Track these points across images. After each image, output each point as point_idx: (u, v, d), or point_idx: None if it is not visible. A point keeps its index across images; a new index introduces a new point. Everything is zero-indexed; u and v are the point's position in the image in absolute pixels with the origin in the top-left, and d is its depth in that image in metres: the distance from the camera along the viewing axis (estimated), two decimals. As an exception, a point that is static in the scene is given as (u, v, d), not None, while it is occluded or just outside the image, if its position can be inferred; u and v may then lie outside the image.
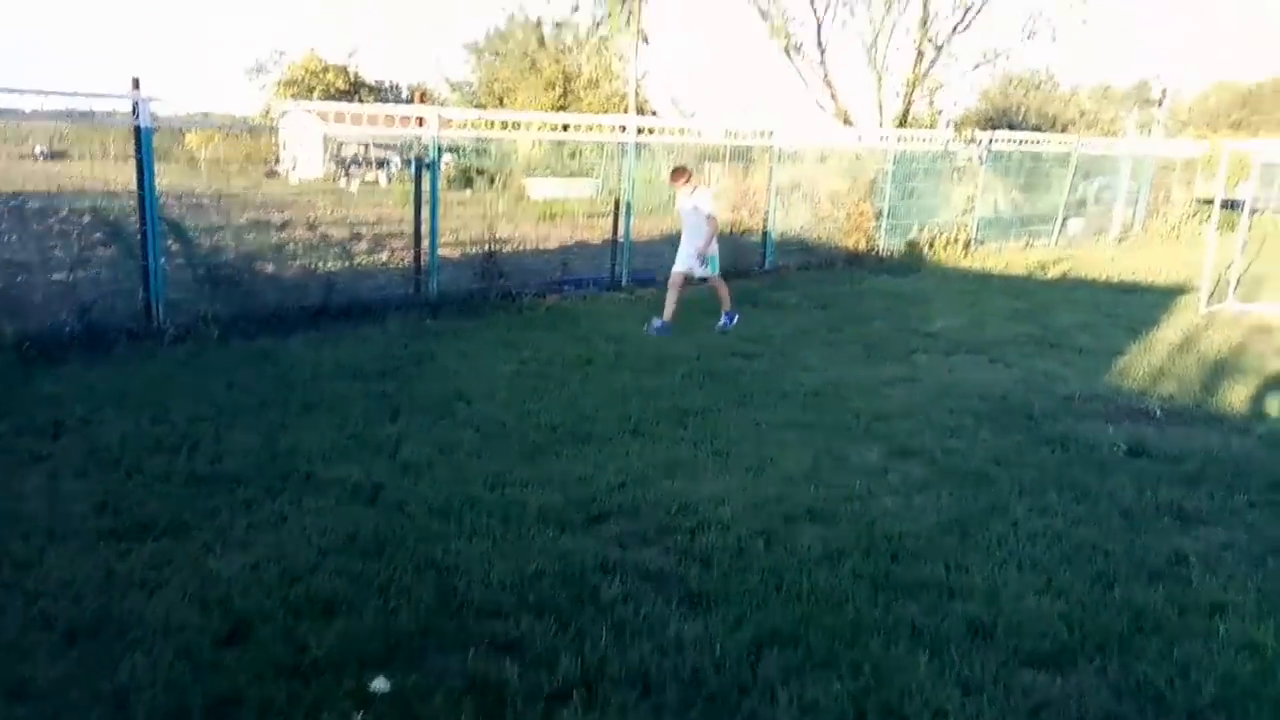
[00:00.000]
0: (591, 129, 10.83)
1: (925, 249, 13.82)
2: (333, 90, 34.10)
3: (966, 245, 14.42)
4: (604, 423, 5.71)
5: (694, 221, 8.47)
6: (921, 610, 3.54)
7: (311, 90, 33.50)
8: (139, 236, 7.24)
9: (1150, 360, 7.84)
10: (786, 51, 16.05)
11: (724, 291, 8.68)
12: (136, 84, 6.98)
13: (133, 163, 7.11)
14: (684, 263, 8.56)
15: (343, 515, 4.21)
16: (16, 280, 8.46)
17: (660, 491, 4.65)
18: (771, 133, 12.05)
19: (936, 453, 5.38)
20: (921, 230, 14.05)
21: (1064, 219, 16.83)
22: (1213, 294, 10.56)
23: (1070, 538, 4.22)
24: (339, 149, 26.45)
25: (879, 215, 13.56)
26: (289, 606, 3.40)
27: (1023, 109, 26.66)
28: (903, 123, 15.43)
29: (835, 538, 4.20)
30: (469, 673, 3.05)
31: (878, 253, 13.32)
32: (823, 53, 16.20)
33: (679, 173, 8.57)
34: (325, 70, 35.74)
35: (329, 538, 3.98)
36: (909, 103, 15.61)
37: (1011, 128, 20.88)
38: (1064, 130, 23.38)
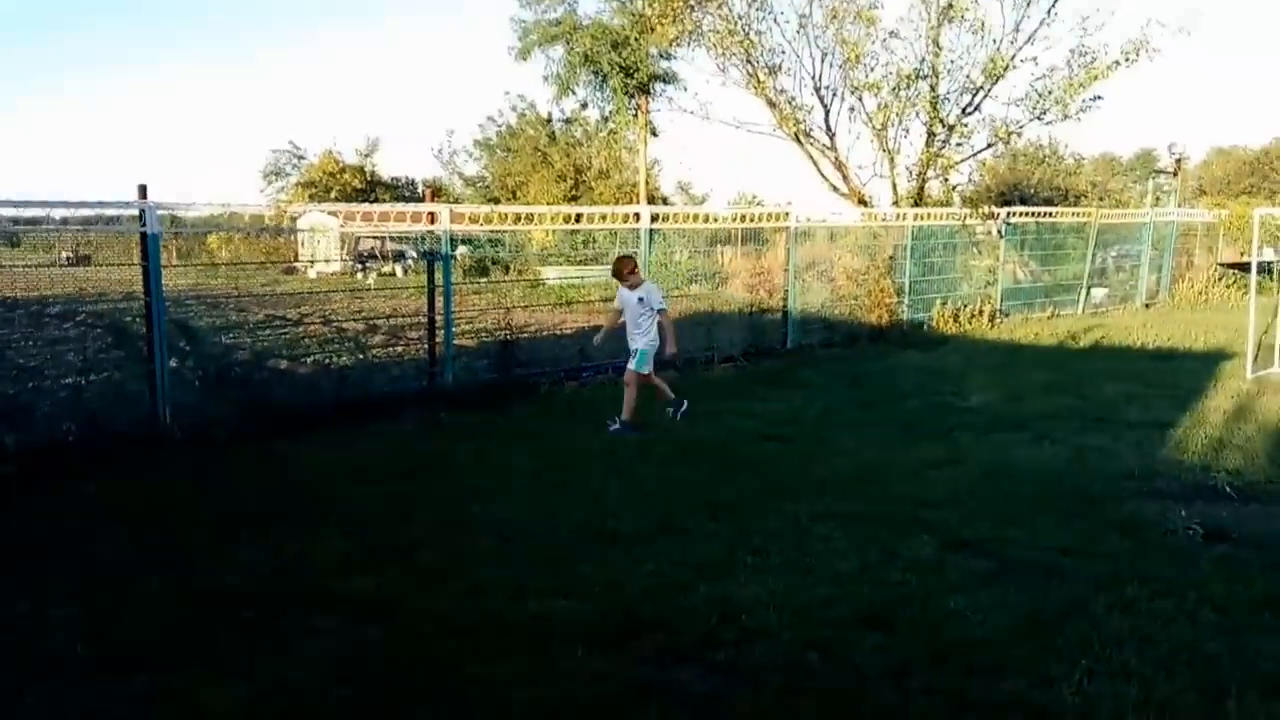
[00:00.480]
0: (606, 219, 10.75)
1: (950, 322, 13.53)
2: (349, 189, 34.86)
3: (992, 317, 14.12)
4: (631, 520, 5.33)
5: (638, 314, 7.72)
6: (1008, 735, 3.10)
7: (329, 190, 34.24)
8: (145, 341, 7.04)
9: (1207, 431, 7.40)
10: (796, 138, 16.11)
11: (632, 394, 7.65)
12: (143, 192, 6.92)
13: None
14: (644, 365, 7.77)
15: (353, 637, 3.83)
16: (28, 387, 8.30)
17: (697, 598, 4.25)
18: (787, 214, 11.95)
19: (995, 543, 4.96)
20: (944, 304, 13.79)
21: (1088, 287, 16.56)
22: (1256, 358, 10.15)
23: (1163, 640, 3.76)
24: (356, 244, 26.84)
25: (900, 291, 13.34)
26: (287, 753, 3.01)
27: (1034, 181, 26.75)
28: (918, 201, 15.36)
29: (898, 647, 3.77)
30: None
31: (902, 327, 13.04)
32: (832, 137, 16.32)
33: (626, 262, 7.81)
34: (342, 170, 36.59)
35: (336, 665, 3.60)
36: (922, 181, 15.57)
37: (1024, 201, 20.86)
38: (1076, 201, 23.37)
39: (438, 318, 8.75)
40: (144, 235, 6.93)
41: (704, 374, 10.40)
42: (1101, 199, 25.98)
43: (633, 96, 25.19)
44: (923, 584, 4.43)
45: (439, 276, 8.72)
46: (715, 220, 12.12)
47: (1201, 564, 4.58)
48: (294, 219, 13.05)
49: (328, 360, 10.44)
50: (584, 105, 27.93)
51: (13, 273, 11.81)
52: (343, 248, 24.69)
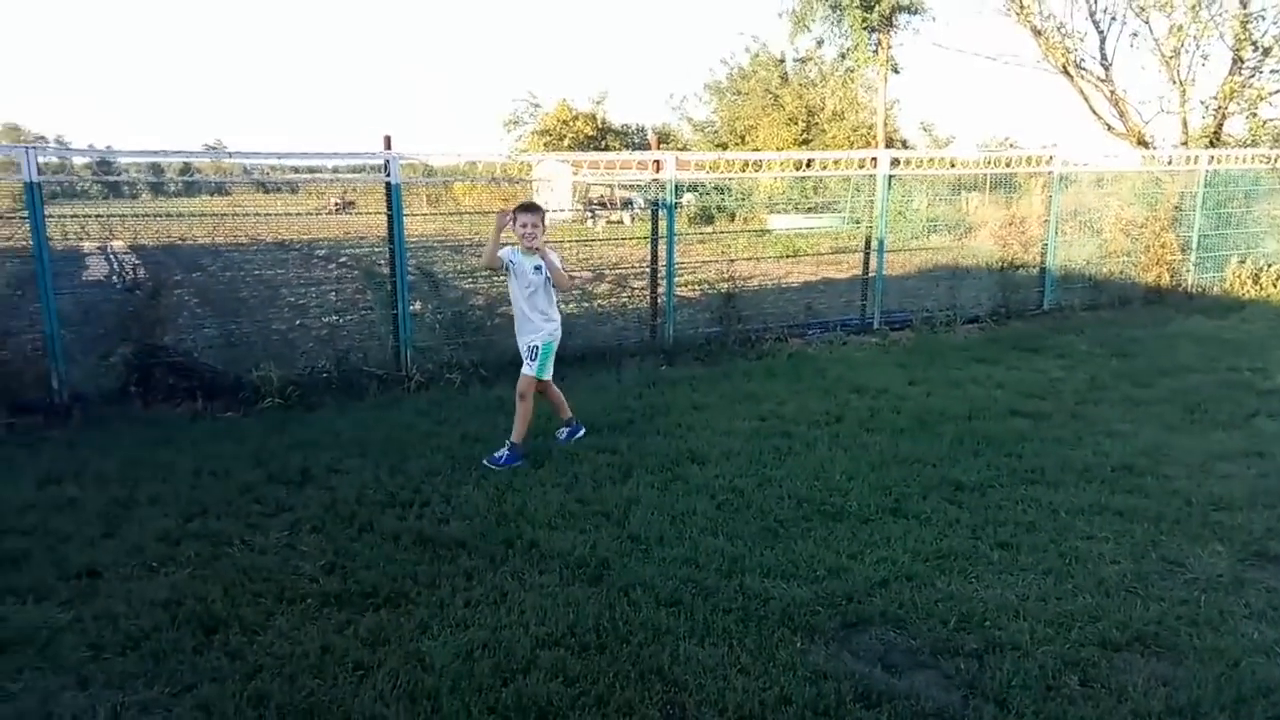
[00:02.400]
0: (839, 164, 10.06)
1: (1248, 284, 11.58)
2: (582, 137, 35.75)
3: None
4: (858, 497, 4.91)
5: (534, 291, 5.63)
6: (1342, 821, 2.45)
7: (562, 138, 35.29)
8: (390, 286, 7.45)
9: None
10: (1065, 70, 14.23)
11: (528, 409, 5.66)
12: (388, 143, 7.25)
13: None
14: (545, 367, 5.79)
15: (564, 597, 3.77)
16: (295, 324, 9.16)
17: (933, 593, 3.81)
18: (1050, 157, 10.62)
19: (1312, 561, 4.08)
20: (1242, 263, 11.80)
21: None
22: None
23: None
24: (586, 192, 27.59)
25: (1185, 246, 11.55)
26: (499, 714, 2.97)
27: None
28: (1214, 141, 13.15)
29: (1182, 681, 3.15)
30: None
31: (1185, 289, 11.33)
32: (1107, 69, 14.28)
33: (530, 213, 5.57)
34: (575, 118, 37.54)
35: (548, 625, 3.54)
36: (1222, 117, 13.26)
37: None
38: None
39: (660, 268, 8.60)
40: (388, 185, 7.26)
41: (944, 335, 9.58)
42: None
43: (873, 31, 23.58)
44: (1214, 604, 3.72)
45: (663, 226, 8.55)
46: (965, 165, 11.01)
47: None
48: (528, 167, 13.46)
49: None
50: (820, 43, 26.62)
51: (288, 218, 13.13)
52: (574, 195, 25.50)
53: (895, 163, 9.96)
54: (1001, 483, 5.16)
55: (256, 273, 14.31)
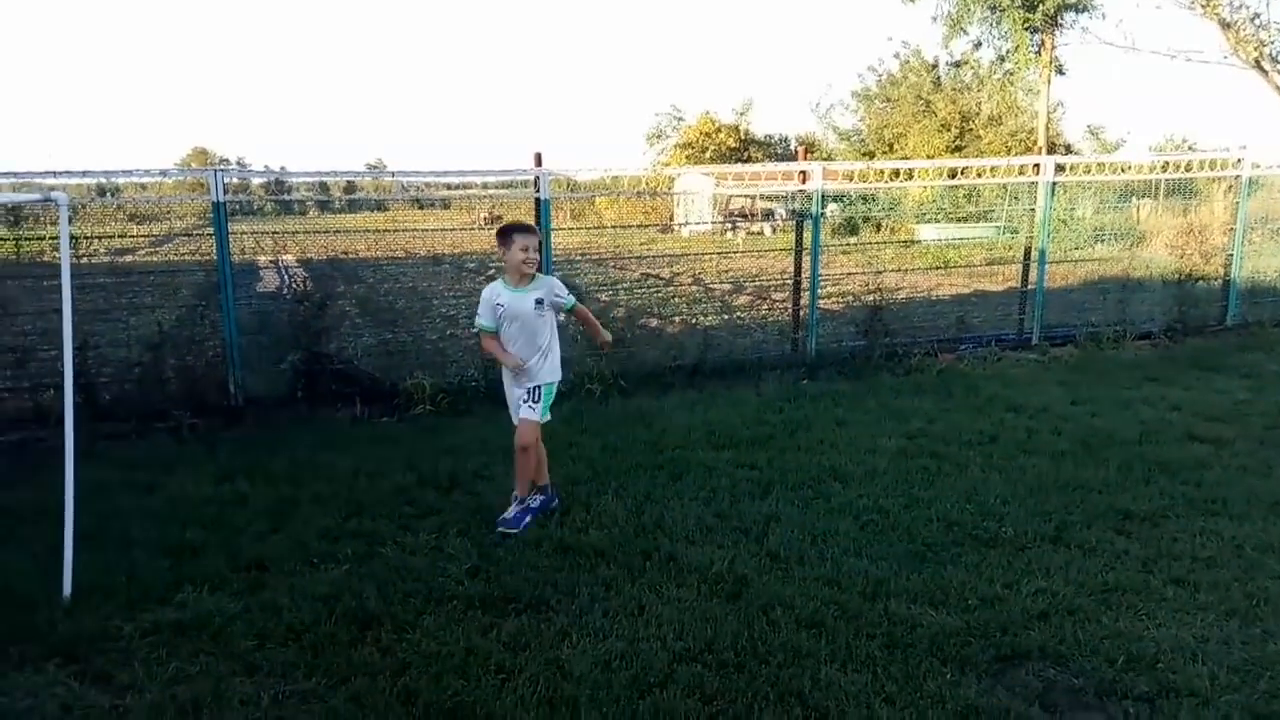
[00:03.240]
0: (996, 172, 9.59)
1: None
2: (724, 149, 35.77)
3: None
4: (1015, 522, 4.63)
5: (536, 327, 4.76)
6: None
7: (705, 150, 35.42)
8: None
9: None
10: (1257, 64, 13.03)
11: (531, 459, 4.86)
12: (539, 160, 7.46)
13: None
14: (548, 409, 4.95)
15: (702, 612, 3.73)
16: (447, 334, 9.58)
17: (1099, 630, 3.53)
18: (1238, 159, 9.72)
19: None
20: None
21: None
22: None
23: None
24: (727, 204, 27.55)
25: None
26: (634, 726, 2.96)
27: None
28: None
29: (1400, 748, 2.78)
30: None
31: (1402, 308, 10.10)
32: (1308, 62, 12.96)
33: (518, 237, 4.66)
34: (718, 130, 37.58)
35: (686, 640, 3.52)
36: None
37: None
38: None
39: (803, 280, 8.45)
40: (537, 200, 7.48)
41: (1112, 352, 8.93)
42: None
43: (1036, 32, 22.38)
44: None
45: (807, 237, 8.39)
46: (1139, 169, 10.24)
47: None
48: (670, 180, 13.56)
49: (694, 320, 10.72)
50: (977, 45, 25.48)
51: (441, 233, 13.76)
52: (714, 207, 25.53)
53: (1060, 169, 9.38)
54: (1177, 513, 4.75)
55: (410, 285, 15.10)
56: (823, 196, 8.52)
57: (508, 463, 5.77)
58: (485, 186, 10.68)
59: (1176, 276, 9.94)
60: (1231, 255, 9.79)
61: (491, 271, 17.05)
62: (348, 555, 4.40)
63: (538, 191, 7.47)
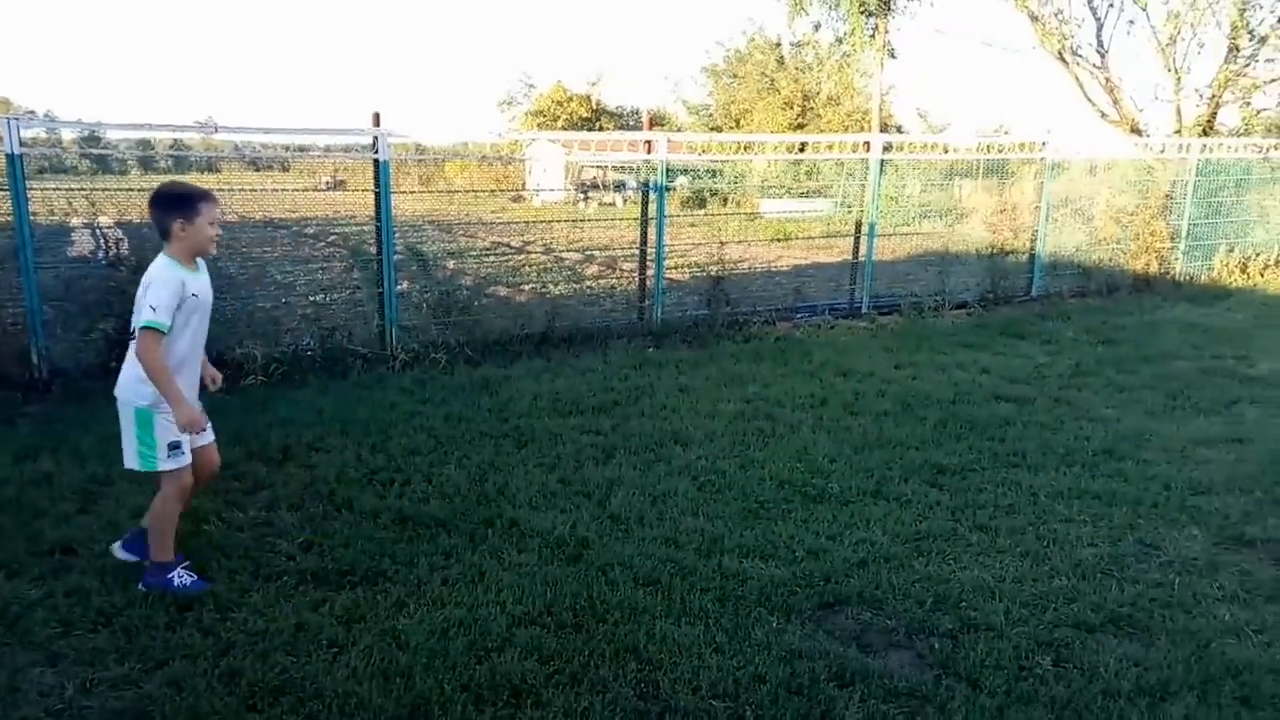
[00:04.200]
0: (832, 148, 10.02)
1: (1236, 273, 11.61)
2: (576, 118, 35.57)
3: (1311, 271, 11.95)
4: (840, 479, 4.92)
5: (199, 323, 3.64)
6: (1306, 800, 2.47)
7: (556, 119, 35.08)
8: (376, 264, 7.40)
9: None
10: (1060, 56, 14.17)
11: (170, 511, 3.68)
12: (376, 119, 7.17)
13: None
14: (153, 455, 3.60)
15: (543, 576, 3.76)
16: (282, 303, 9.10)
17: (911, 575, 3.82)
18: (1043, 143, 10.59)
19: (1288, 546, 4.10)
20: (1231, 251, 11.82)
21: None
22: None
23: None
24: (579, 173, 27.43)
25: (1175, 235, 11.56)
26: (472, 691, 2.96)
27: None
28: (1207, 129, 13.13)
29: (1153, 662, 3.17)
30: (667, 814, 2.43)
31: (1173, 277, 11.35)
32: (1103, 55, 14.22)
33: (215, 203, 3.60)
34: (569, 100, 37.29)
35: (525, 604, 3.54)
36: (1216, 106, 13.24)
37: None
38: None
39: (649, 250, 8.57)
40: (376, 162, 7.20)
41: (932, 320, 9.58)
42: None
43: (870, 16, 23.46)
44: (1187, 587, 3.74)
45: (653, 208, 8.50)
46: (957, 150, 10.98)
47: None
48: (520, 146, 13.35)
49: (544, 289, 10.67)
50: (817, 27, 26.44)
51: (277, 197, 13.01)
52: (566, 176, 25.38)
53: (888, 147, 9.91)
54: (983, 466, 5.17)
55: (244, 250, 14.19)
56: (669, 168, 8.64)
57: (345, 434, 5.60)
58: (329, 150, 10.15)
59: (990, 251, 10.76)
60: (1037, 232, 10.69)
61: (334, 237, 16.40)
62: (166, 534, 4.13)
63: (376, 153, 7.18)
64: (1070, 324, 9.29)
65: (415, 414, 6.06)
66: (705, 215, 12.67)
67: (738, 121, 31.70)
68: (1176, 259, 11.58)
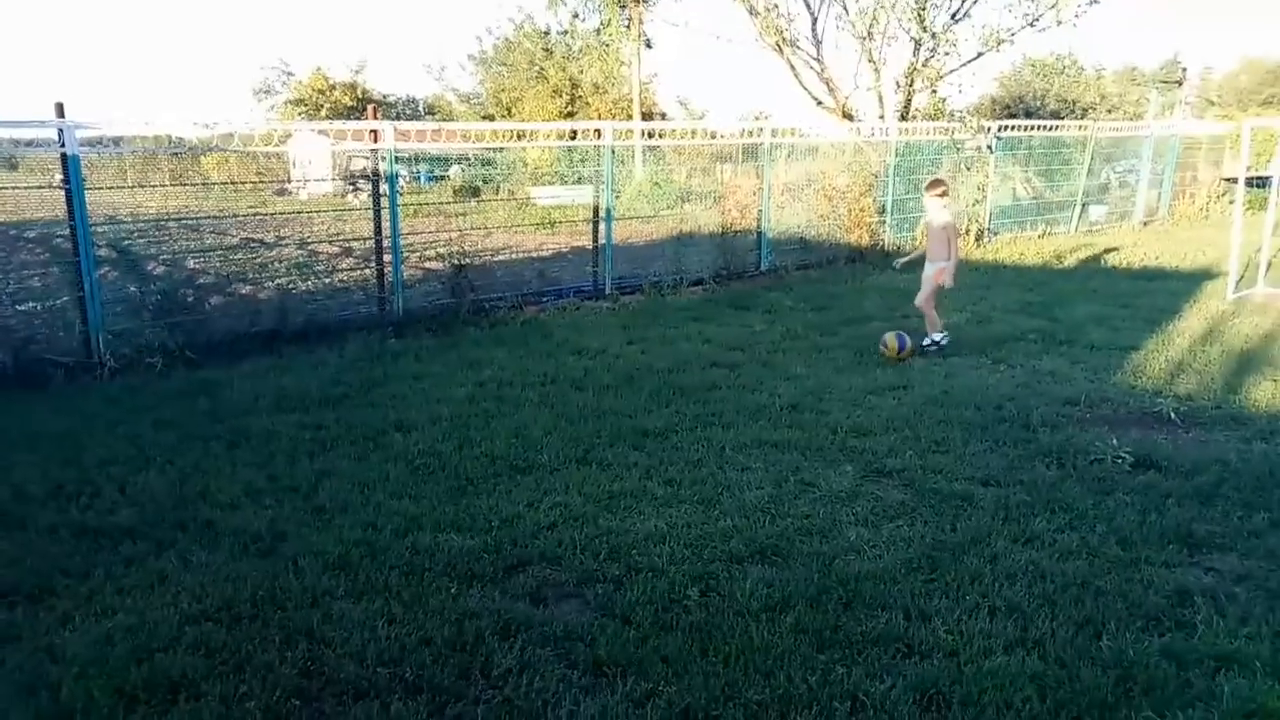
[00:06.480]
0: (562, 135, 10.38)
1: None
2: (340, 107, 34.10)
3: (979, 237, 13.72)
4: (551, 450, 5.20)
5: None
6: (867, 675, 2.99)
7: (320, 108, 33.49)
8: (74, 266, 6.88)
9: (1168, 355, 7.17)
10: (778, 47, 15.38)
11: None
12: (61, 110, 6.65)
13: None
14: None
15: (229, 573, 3.75)
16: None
17: (594, 531, 4.14)
18: (760, 129, 11.49)
19: (917, 472, 4.82)
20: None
21: (1084, 205, 16.04)
22: (1241, 279, 9.81)
23: (1056, 574, 3.63)
24: (347, 164, 26.32)
25: (882, 210, 12.92)
26: (125, 693, 2.94)
27: (1042, 94, 25.70)
28: (905, 115, 14.73)
29: (784, 582, 3.66)
30: (310, 776, 2.56)
31: (882, 248, 12.68)
32: (818, 46, 15.60)
33: None
34: (332, 88, 35.69)
35: (203, 602, 3.52)
36: (910, 94, 14.89)
37: (1028, 114, 20.12)
38: (1084, 114, 22.49)
39: (385, 241, 8.51)
40: (64, 156, 6.67)
41: (670, 298, 10.17)
42: (1110, 111, 24.98)
43: (624, 7, 24.18)
44: (829, 516, 4.31)
45: (385, 198, 8.45)
46: (675, 135, 11.66)
47: (1119, 494, 4.42)
48: (280, 137, 12.71)
49: (291, 285, 10.28)
50: (576, 16, 26.90)
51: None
52: (334, 168, 24.31)
53: (618, 134, 10.37)
54: (685, 427, 5.64)
55: (-61, 260, 12.62)
56: (446, 158, 8.61)
57: (32, 449, 5.21)
58: (16, 143, 9.23)
59: (723, 231, 11.55)
60: (762, 212, 11.59)
61: (58, 241, 14.84)
62: None
63: (63, 146, 6.65)
64: (791, 294, 10.18)
65: (119, 423, 5.74)
66: (435, 204, 12.62)
67: (509, 109, 31.68)
68: (885, 231, 12.95)
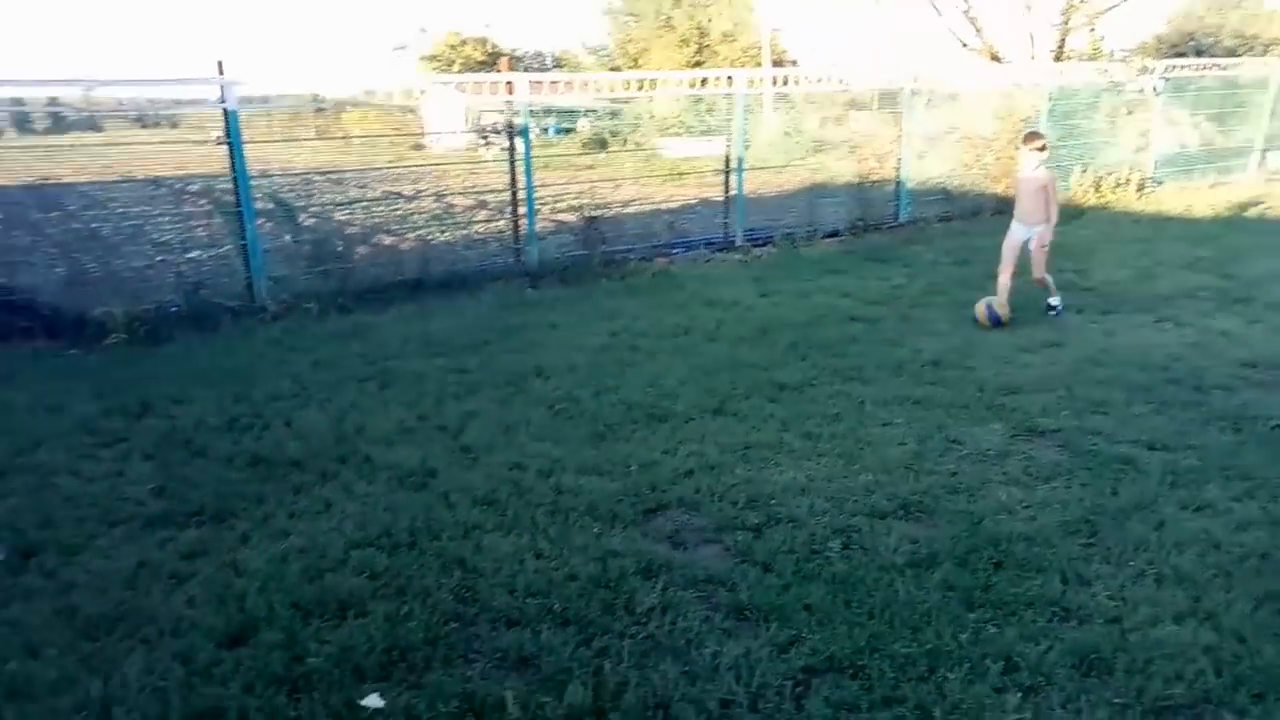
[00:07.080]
0: (692, 85, 10.22)
1: (1089, 193, 12.30)
2: (472, 63, 34.75)
3: (1140, 187, 12.72)
4: (686, 400, 5.22)
5: None
6: (1021, 636, 2.89)
7: (452, 64, 34.25)
8: (237, 216, 7.33)
9: (1363, 316, 6.50)
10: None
11: None
12: (221, 68, 7.03)
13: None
14: None
15: (386, 504, 3.97)
16: (157, 260, 8.91)
17: (731, 480, 4.15)
18: (901, 75, 10.97)
19: (1073, 434, 4.57)
20: (1084, 172, 12.49)
21: (1264, 151, 14.61)
22: None
23: (1232, 546, 3.39)
24: (479, 118, 26.92)
25: (1033, 157, 12.14)
26: (300, 608, 3.17)
27: (1216, 30, 23.42)
28: (1059, 56, 13.74)
29: (930, 539, 3.56)
30: (468, 692, 2.70)
31: (1031, 200, 11.94)
32: (964, -19, 14.66)
33: None
34: (463, 43, 36.38)
35: (365, 529, 3.74)
36: (1065, 33, 13.84)
37: (1199, 53, 18.43)
38: (1264, 52, 20.38)
39: (519, 193, 8.66)
40: (225, 112, 7.09)
41: (804, 250, 9.96)
42: (1297, 47, 22.50)
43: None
44: (977, 474, 4.16)
45: (519, 150, 8.58)
46: (804, 82, 11.28)
47: (1307, 464, 4.06)
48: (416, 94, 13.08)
49: (431, 237, 10.65)
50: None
51: (163, 152, 12.55)
52: (466, 122, 24.90)
53: (751, 83, 10.13)
54: (822, 381, 5.54)
55: (121, 210, 13.74)
56: (533, 111, 8.68)
57: (208, 385, 5.65)
58: (178, 102, 9.84)
59: (858, 181, 11.16)
60: (900, 161, 11.12)
61: (218, 193, 15.90)
62: (15, 489, 4.20)
63: (224, 102, 7.05)
64: (931, 247, 9.78)
65: (282, 362, 6.14)
66: (605, 156, 12.70)
67: (635, 60, 31.47)
68: (1035, 181, 12.15)
